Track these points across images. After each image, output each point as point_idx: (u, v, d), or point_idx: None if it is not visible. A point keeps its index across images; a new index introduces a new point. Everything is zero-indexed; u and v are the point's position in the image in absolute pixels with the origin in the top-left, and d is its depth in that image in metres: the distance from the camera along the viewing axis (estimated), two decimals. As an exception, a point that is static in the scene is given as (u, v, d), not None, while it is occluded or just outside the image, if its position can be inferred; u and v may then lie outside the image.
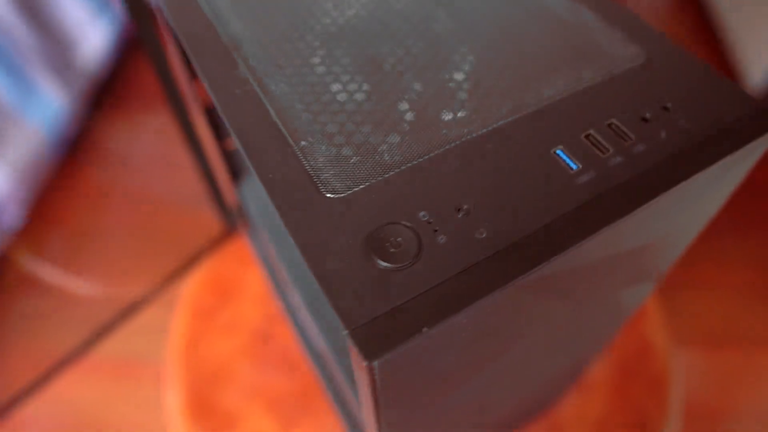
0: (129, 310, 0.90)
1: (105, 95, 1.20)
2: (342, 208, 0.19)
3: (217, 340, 0.55)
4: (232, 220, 0.62)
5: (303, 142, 0.21)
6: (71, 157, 1.09)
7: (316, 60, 0.24)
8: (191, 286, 0.57)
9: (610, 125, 0.22)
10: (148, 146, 1.11)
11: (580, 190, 0.20)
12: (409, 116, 0.22)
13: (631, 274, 0.27)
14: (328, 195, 0.20)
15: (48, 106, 1.00)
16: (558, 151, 0.21)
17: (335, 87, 0.23)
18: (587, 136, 0.21)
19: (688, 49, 1.30)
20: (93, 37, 1.11)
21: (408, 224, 0.19)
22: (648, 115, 0.22)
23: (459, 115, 0.22)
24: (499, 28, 0.26)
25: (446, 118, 0.22)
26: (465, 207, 0.19)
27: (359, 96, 0.23)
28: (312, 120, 0.22)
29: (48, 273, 0.94)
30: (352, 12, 0.27)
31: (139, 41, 0.43)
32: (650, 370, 0.51)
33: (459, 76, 0.23)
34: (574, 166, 0.20)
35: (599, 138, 0.21)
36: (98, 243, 0.98)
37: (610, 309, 0.30)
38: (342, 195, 0.20)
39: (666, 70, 0.24)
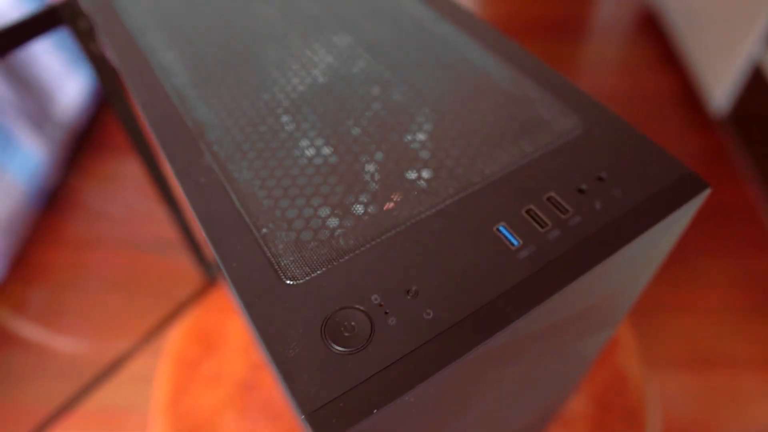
0: (115, 363, 0.90)
1: (83, 145, 1.21)
2: (300, 295, 0.21)
3: (202, 391, 0.55)
4: (211, 272, 0.63)
5: (264, 229, 0.23)
6: (50, 210, 1.09)
7: (275, 144, 0.26)
8: (174, 337, 0.58)
9: (549, 198, 0.23)
10: (128, 196, 1.12)
11: (520, 265, 0.21)
12: (363, 198, 0.24)
13: (584, 330, 0.28)
14: (287, 282, 0.21)
15: (27, 159, 1.00)
16: (500, 228, 0.22)
17: (294, 171, 0.25)
18: (528, 211, 0.23)
19: (644, 87, 1.34)
20: (70, 88, 1.13)
21: (361, 308, 0.20)
22: (584, 187, 0.24)
23: (407, 195, 0.24)
24: (446, 103, 0.27)
25: (396, 200, 0.24)
26: (413, 288, 0.21)
27: (317, 179, 0.24)
28: (273, 206, 0.24)
29: (29, 330, 0.94)
30: (304, 88, 0.29)
31: (107, 99, 0.45)
32: (627, 401, 0.53)
33: (417, 165, 0.25)
34: (515, 243, 0.22)
35: (538, 212, 0.23)
36: (80, 296, 0.98)
37: (571, 359, 0.32)
38: (300, 281, 0.21)
39: (602, 140, 0.26)
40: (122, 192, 1.12)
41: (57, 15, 0.37)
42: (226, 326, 0.59)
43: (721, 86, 1.21)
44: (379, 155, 0.25)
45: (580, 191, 0.24)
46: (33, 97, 1.02)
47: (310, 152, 0.26)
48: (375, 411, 0.18)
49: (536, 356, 0.26)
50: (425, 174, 0.24)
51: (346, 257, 0.22)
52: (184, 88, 0.29)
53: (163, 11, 0.34)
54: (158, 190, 0.55)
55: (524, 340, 0.22)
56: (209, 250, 0.43)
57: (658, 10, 1.51)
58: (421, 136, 0.26)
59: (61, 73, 1.11)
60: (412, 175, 0.24)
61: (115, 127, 1.26)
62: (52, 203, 1.10)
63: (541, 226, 0.22)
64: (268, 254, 0.22)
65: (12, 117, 0.98)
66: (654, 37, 1.48)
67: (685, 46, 1.35)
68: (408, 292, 0.21)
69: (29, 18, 0.36)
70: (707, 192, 0.24)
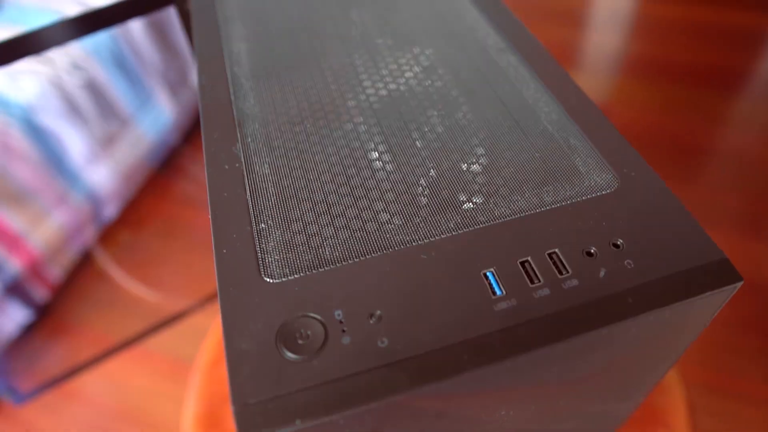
0: (179, 316, 0.97)
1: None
2: (271, 293, 0.21)
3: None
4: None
5: (262, 225, 0.24)
6: (164, 168, 1.20)
7: (305, 146, 0.27)
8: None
9: (551, 254, 0.22)
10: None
11: (494, 316, 0.20)
12: (365, 215, 0.24)
13: (584, 399, 0.26)
14: (265, 278, 0.22)
15: (159, 118, 1.11)
16: (488, 273, 0.22)
17: (311, 175, 0.26)
18: (523, 263, 0.22)
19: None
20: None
21: (321, 320, 0.20)
22: (593, 250, 0.22)
23: (407, 221, 0.23)
24: (478, 139, 0.27)
25: (395, 223, 0.23)
26: (378, 313, 0.20)
27: (329, 187, 0.25)
28: (279, 204, 0.24)
29: (115, 269, 1.04)
30: (354, 104, 0.29)
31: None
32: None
33: (422, 182, 0.25)
34: (498, 292, 0.21)
35: (534, 266, 0.22)
36: (168, 248, 1.07)
37: (579, 417, 0.30)
38: (276, 281, 0.22)
39: (632, 204, 0.24)
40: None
41: (171, -5, 0.41)
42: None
43: None
44: (393, 173, 0.25)
45: (588, 254, 0.22)
46: (175, 61, 1.13)
47: (332, 160, 0.26)
48: (297, 422, 0.18)
49: (517, 414, 0.24)
50: (434, 203, 0.24)
51: (327, 268, 0.22)
52: (242, 78, 0.31)
53: (255, 5, 0.37)
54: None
55: (490, 393, 0.21)
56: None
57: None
58: (433, 171, 0.26)
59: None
60: (420, 200, 0.24)
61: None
62: (169, 162, 1.21)
63: (532, 282, 0.21)
64: (258, 249, 0.23)
65: (153, 76, 1.09)
66: None
67: None
68: (371, 315, 0.20)
69: (145, -5, 0.40)
70: (738, 285, 0.21)
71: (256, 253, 0.23)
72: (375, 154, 0.26)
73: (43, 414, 0.90)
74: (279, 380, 0.19)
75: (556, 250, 0.22)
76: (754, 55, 1.47)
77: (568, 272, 0.22)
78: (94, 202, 1.02)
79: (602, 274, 0.21)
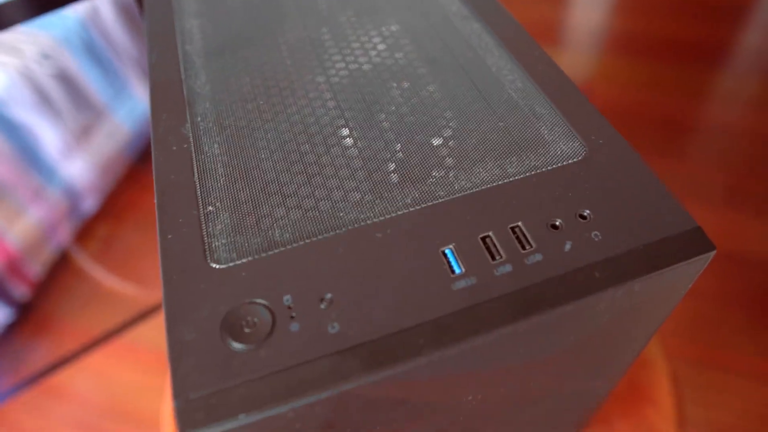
0: (161, 308, 0.96)
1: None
2: (217, 280, 0.20)
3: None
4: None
5: (210, 207, 0.22)
6: (142, 158, 1.18)
7: (257, 124, 0.25)
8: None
9: (513, 228, 0.21)
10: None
11: (452, 296, 0.19)
12: (318, 193, 0.22)
13: (552, 379, 0.25)
14: (212, 264, 0.20)
15: (135, 107, 1.09)
16: (447, 251, 0.20)
17: (263, 154, 0.24)
18: (484, 238, 0.21)
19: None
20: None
21: (269, 306, 0.19)
22: (559, 222, 0.21)
23: (362, 197, 0.22)
24: (440, 109, 0.25)
25: (353, 199, 0.22)
26: (328, 297, 0.19)
27: (281, 166, 0.24)
28: (228, 185, 0.23)
29: (91, 262, 1.03)
30: (310, 79, 0.28)
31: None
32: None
33: (379, 156, 0.24)
34: (457, 270, 0.20)
35: (496, 241, 0.20)
36: (148, 239, 1.06)
37: (540, 404, 0.29)
38: (223, 266, 0.20)
39: (600, 174, 0.22)
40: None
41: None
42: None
43: None
44: (349, 148, 0.24)
45: (553, 227, 0.21)
46: (149, 51, 1.11)
47: (285, 137, 0.25)
48: (242, 416, 0.17)
49: (486, 398, 0.23)
50: (392, 178, 0.23)
51: (276, 250, 0.21)
52: (194, 56, 0.29)
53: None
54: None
55: (452, 378, 0.20)
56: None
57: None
58: (392, 137, 0.24)
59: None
60: (377, 176, 0.23)
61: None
62: (145, 153, 1.18)
63: (493, 258, 0.20)
64: (204, 233, 0.21)
65: (128, 65, 1.06)
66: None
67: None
68: (322, 300, 0.19)
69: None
70: (711, 255, 0.20)
71: (203, 237, 0.21)
72: (330, 129, 0.25)
73: (28, 413, 0.89)
74: (223, 372, 0.18)
75: (519, 223, 0.21)
76: (737, 29, 1.45)
77: (531, 247, 0.20)
78: (72, 196, 1.00)
79: (567, 247, 0.20)
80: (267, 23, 0.31)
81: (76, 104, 0.97)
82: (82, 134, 0.99)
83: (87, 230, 1.08)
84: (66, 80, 0.95)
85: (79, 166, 1.00)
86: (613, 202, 0.21)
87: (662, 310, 0.23)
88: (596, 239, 0.20)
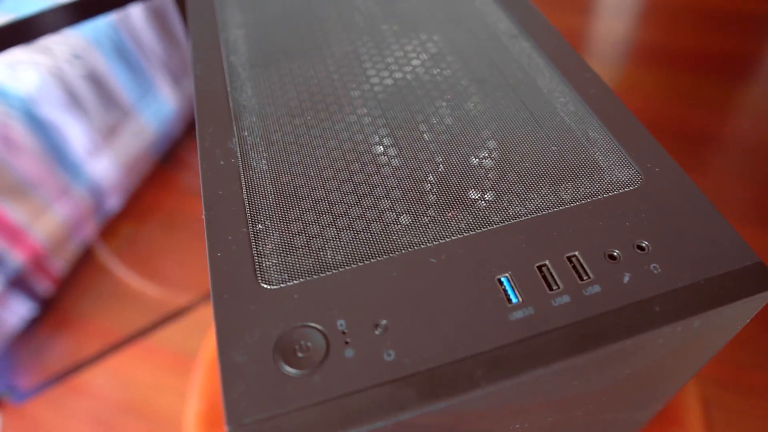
0: (183, 310, 0.96)
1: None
2: (269, 301, 0.20)
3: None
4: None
5: (259, 225, 0.22)
6: (167, 159, 1.19)
7: (305, 140, 0.25)
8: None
9: (570, 258, 0.20)
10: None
11: (510, 327, 0.19)
12: (369, 214, 0.22)
13: (597, 410, 0.25)
14: (263, 285, 0.20)
15: (161, 108, 1.10)
16: (503, 279, 0.20)
17: (312, 171, 0.24)
18: (541, 267, 0.20)
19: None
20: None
21: (323, 331, 0.19)
22: (617, 253, 0.20)
23: (414, 220, 0.22)
24: (491, 131, 0.25)
25: (405, 222, 0.22)
26: (384, 323, 0.19)
27: (331, 184, 0.23)
28: (277, 203, 0.23)
29: (120, 265, 1.03)
30: (357, 94, 0.27)
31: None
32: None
33: (431, 178, 0.23)
34: (514, 299, 0.19)
35: (553, 271, 0.20)
36: (172, 240, 1.06)
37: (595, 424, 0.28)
38: (275, 287, 0.20)
39: (658, 203, 0.22)
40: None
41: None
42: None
43: None
44: (400, 168, 0.24)
45: (611, 257, 0.20)
46: (177, 50, 1.11)
47: (334, 154, 0.24)
48: (297, 445, 0.17)
49: (531, 426, 0.23)
50: (442, 200, 0.22)
51: (328, 273, 0.20)
52: (239, 68, 0.29)
53: (253, 8, 0.35)
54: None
55: (504, 408, 0.20)
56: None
57: None
58: (440, 161, 0.24)
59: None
60: (429, 198, 0.22)
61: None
62: (172, 152, 1.19)
63: (550, 288, 0.20)
64: (254, 252, 0.21)
65: (155, 66, 1.07)
66: None
67: None
68: (377, 326, 0.19)
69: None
70: (774, 292, 0.20)
71: (253, 256, 0.21)
72: (380, 148, 0.25)
73: (48, 409, 0.90)
74: (277, 397, 0.17)
75: (576, 253, 0.21)
76: (764, 42, 1.43)
77: (589, 277, 0.20)
78: (96, 194, 1.01)
79: (626, 279, 0.20)
80: (312, 35, 0.31)
81: (104, 104, 0.98)
82: (108, 133, 1.00)
83: (110, 228, 1.09)
84: (95, 80, 0.96)
85: (104, 165, 1.00)
86: (672, 233, 0.21)
87: (718, 343, 0.23)
88: (655, 272, 0.20)
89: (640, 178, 0.23)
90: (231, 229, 0.22)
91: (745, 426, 0.81)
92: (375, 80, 0.28)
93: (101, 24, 0.95)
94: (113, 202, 1.06)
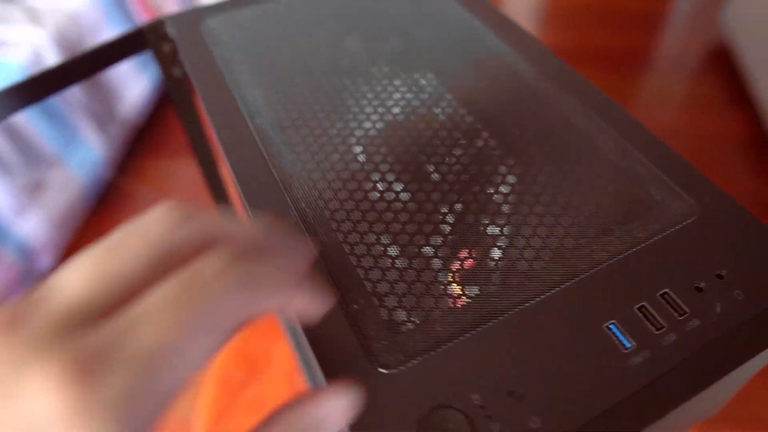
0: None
1: (140, 145, 1.23)
2: (395, 387, 0.19)
3: (243, 414, 0.55)
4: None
5: (355, 306, 0.21)
6: (103, 205, 1.11)
7: (366, 206, 0.25)
8: (219, 359, 0.58)
9: (663, 295, 0.21)
10: (180, 197, 1.13)
11: (634, 373, 0.19)
12: (461, 278, 0.22)
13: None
14: (381, 370, 0.20)
15: (88, 155, 1.03)
16: (611, 326, 0.21)
17: (385, 239, 0.24)
18: (641, 308, 0.21)
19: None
20: (134, 89, 1.15)
21: (460, 409, 0.19)
22: (702, 285, 0.22)
23: (508, 279, 0.22)
24: (551, 178, 0.26)
25: (500, 281, 0.22)
26: (518, 391, 0.19)
27: (412, 250, 0.23)
28: (363, 277, 0.22)
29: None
30: (401, 151, 0.27)
31: (181, 118, 0.44)
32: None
33: (519, 243, 0.24)
34: (627, 345, 0.20)
35: (653, 311, 0.21)
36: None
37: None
38: (395, 371, 0.20)
39: (719, 229, 0.24)
40: (175, 193, 1.14)
41: (142, 38, 0.37)
42: (272, 350, 0.58)
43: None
44: (474, 238, 0.24)
45: (698, 289, 0.22)
46: (100, 95, 1.05)
47: (410, 228, 0.24)
48: None
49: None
50: (527, 254, 0.23)
51: (444, 347, 0.20)
52: (269, 130, 0.28)
53: (251, 42, 0.34)
54: (213, 192, 0.55)
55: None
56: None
57: (731, 45, 1.44)
58: (510, 205, 0.24)
59: (129, 74, 1.13)
60: (515, 254, 0.23)
61: (172, 128, 1.28)
62: (106, 199, 1.12)
63: (656, 328, 0.21)
64: (359, 334, 0.21)
65: (78, 113, 1.00)
66: (724, 74, 1.42)
67: (760, 87, 1.29)
68: (511, 394, 0.19)
69: (115, 41, 0.36)
70: (841, 300, 0.22)
71: (359, 339, 0.20)
72: (458, 206, 0.25)
73: None
74: (439, 489, 0.17)
75: (667, 290, 0.22)
76: (656, 37, 1.56)
77: (686, 312, 0.21)
78: (27, 255, 0.92)
79: (718, 309, 0.21)
80: (333, 89, 0.31)
81: (26, 159, 0.91)
82: (34, 189, 0.92)
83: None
84: (14, 135, 0.88)
85: (33, 224, 0.93)
86: (741, 257, 0.23)
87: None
88: (739, 297, 0.21)
89: (697, 208, 0.24)
90: (327, 316, 0.21)
91: None
92: (429, 136, 0.28)
93: (12, 70, 0.88)
94: (45, 261, 0.98)
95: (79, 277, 0.13)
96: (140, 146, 1.24)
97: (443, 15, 0.35)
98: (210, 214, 0.15)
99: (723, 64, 1.45)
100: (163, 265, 0.14)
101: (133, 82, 1.14)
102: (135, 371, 0.12)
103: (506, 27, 0.34)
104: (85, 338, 0.12)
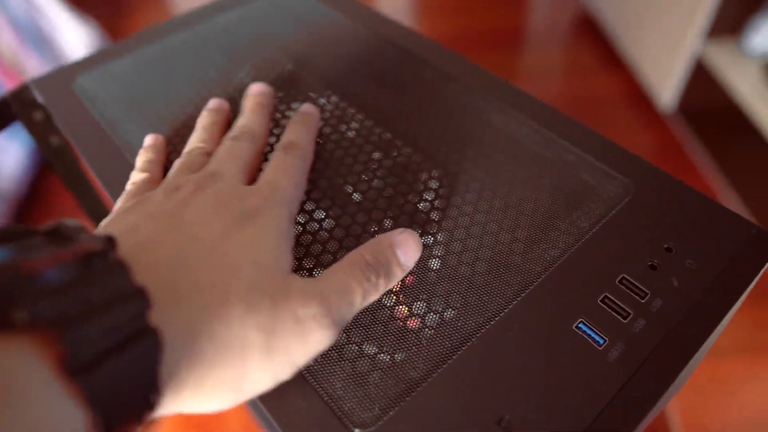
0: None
1: (24, 215, 1.13)
2: (376, 447, 0.17)
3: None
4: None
5: (314, 365, 0.19)
6: None
7: (316, 249, 0.23)
8: (169, 421, 0.53)
9: (621, 281, 0.21)
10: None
11: (614, 369, 0.19)
12: (419, 308, 0.21)
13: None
14: (356, 430, 0.18)
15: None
16: (580, 325, 0.20)
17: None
18: (603, 300, 0.21)
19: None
20: (7, 160, 1.06)
21: (453, 454, 0.17)
22: (655, 262, 0.22)
23: (467, 300, 0.21)
24: (474, 172, 0.25)
25: (458, 304, 0.21)
26: (506, 418, 0.18)
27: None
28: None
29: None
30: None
31: (69, 187, 0.40)
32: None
33: (468, 258, 0.22)
34: (600, 341, 0.19)
35: (616, 300, 0.21)
36: None
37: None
38: (373, 429, 0.18)
39: (657, 203, 0.24)
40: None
41: (8, 110, 0.33)
42: (226, 414, 0.54)
43: (666, 83, 1.24)
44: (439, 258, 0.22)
45: (652, 267, 0.22)
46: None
47: (342, 256, 0.22)
48: None
49: None
50: (479, 268, 0.22)
51: (420, 388, 0.19)
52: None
53: (134, 95, 0.31)
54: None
55: None
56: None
57: (594, 14, 1.54)
58: (437, 211, 0.23)
59: (-1, 145, 1.03)
60: (464, 270, 0.22)
61: (56, 194, 1.19)
62: None
63: (623, 317, 0.20)
64: (325, 397, 0.19)
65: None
66: (594, 40, 1.51)
67: (626, 47, 1.39)
68: (500, 421, 0.18)
69: (-24, 119, 0.32)
70: (780, 246, 0.22)
71: (326, 402, 0.18)
72: (388, 222, 0.23)
73: None
74: None
75: (624, 274, 0.21)
76: (525, 13, 1.64)
77: (647, 293, 0.21)
78: None
79: (675, 283, 0.21)
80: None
81: None
82: None
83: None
84: None
85: None
86: (683, 226, 0.23)
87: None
88: (692, 267, 0.21)
89: (633, 186, 0.24)
90: (288, 385, 0.19)
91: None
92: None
93: None
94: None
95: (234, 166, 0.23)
96: (27, 219, 1.13)
97: (332, 31, 0.34)
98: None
99: (591, 31, 1.54)
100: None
101: (4, 154, 1.05)
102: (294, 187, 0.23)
103: (398, 34, 0.33)
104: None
